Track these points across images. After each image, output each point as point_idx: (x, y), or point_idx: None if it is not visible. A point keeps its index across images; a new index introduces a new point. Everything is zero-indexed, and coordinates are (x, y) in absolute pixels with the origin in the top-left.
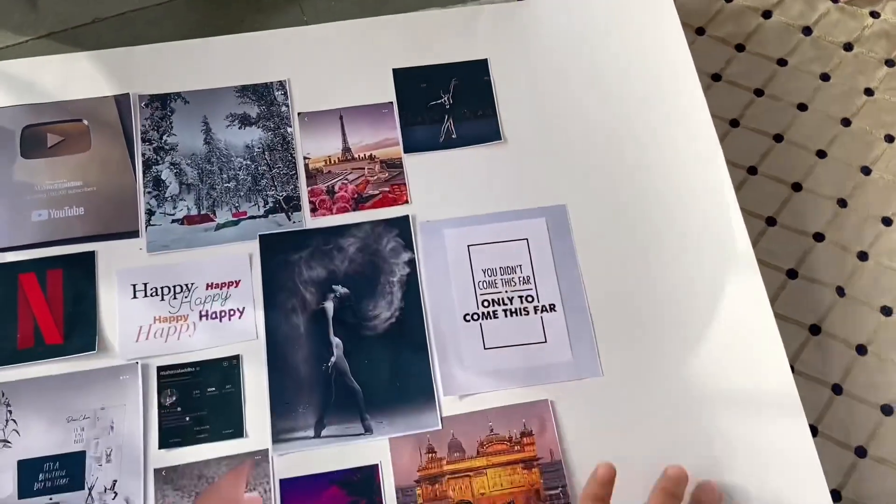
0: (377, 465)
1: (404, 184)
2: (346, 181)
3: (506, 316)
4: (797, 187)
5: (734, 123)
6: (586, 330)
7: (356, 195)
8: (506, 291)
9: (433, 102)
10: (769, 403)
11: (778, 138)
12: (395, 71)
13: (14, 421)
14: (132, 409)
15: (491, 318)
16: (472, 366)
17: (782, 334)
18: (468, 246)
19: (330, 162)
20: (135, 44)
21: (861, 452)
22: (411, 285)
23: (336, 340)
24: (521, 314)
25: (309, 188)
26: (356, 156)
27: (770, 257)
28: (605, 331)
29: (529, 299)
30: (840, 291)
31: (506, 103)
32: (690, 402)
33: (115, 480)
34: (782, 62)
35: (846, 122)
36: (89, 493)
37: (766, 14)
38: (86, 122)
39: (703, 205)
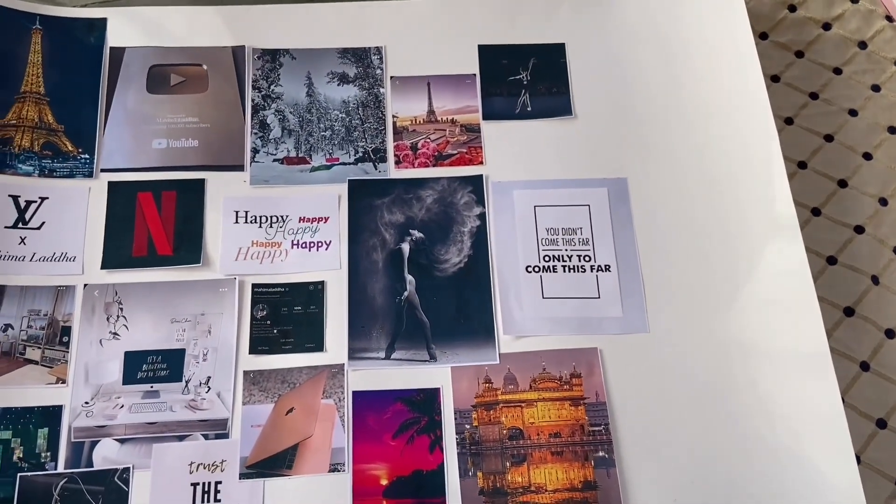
0: (439, 388)
1: (480, 147)
2: (428, 140)
3: (564, 271)
4: (843, 184)
5: (789, 121)
6: (637, 290)
7: (437, 153)
8: (566, 249)
9: (512, 77)
10: (803, 365)
11: (828, 138)
12: (480, 47)
13: (124, 318)
14: (228, 317)
15: (550, 272)
16: (531, 311)
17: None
18: (534, 206)
19: (415, 122)
20: (253, 3)
21: (882, 424)
22: (480, 236)
23: (410, 277)
24: (578, 271)
25: (395, 143)
26: (439, 118)
27: (812, 244)
28: (654, 292)
29: (587, 259)
30: (875, 280)
31: (578, 83)
32: (728, 361)
33: (210, 377)
34: (837, 71)
35: (892, 130)
36: (186, 385)
37: (826, 26)
38: (205, 66)
39: (755, 187)
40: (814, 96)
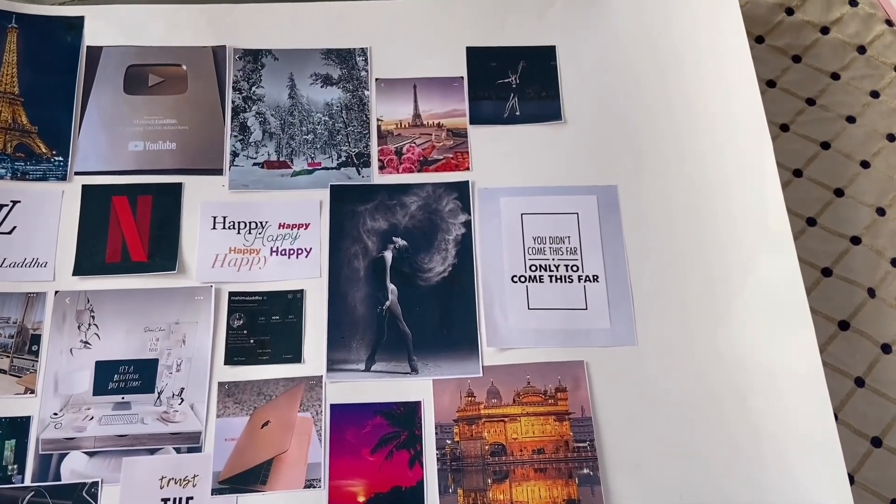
0: (420, 402)
1: (467, 152)
2: (413, 144)
3: (551, 281)
4: (839, 193)
5: (784, 128)
6: (625, 302)
7: (422, 158)
8: (553, 259)
9: (501, 81)
10: (796, 382)
11: (825, 146)
12: (468, 49)
13: (96, 325)
14: (203, 326)
15: (537, 282)
16: (516, 322)
17: (813, 326)
18: (521, 214)
19: (401, 126)
20: (235, 2)
21: (877, 442)
22: (465, 244)
23: (392, 287)
24: (565, 281)
25: (379, 147)
26: (425, 122)
27: (807, 255)
28: (643, 304)
29: (574, 268)
30: (871, 293)
31: (569, 87)
32: (719, 376)
33: (183, 388)
34: (835, 76)
35: (891, 138)
36: (158, 397)
37: (824, 30)
38: (184, 67)
39: (748, 196)
40: (811, 102)
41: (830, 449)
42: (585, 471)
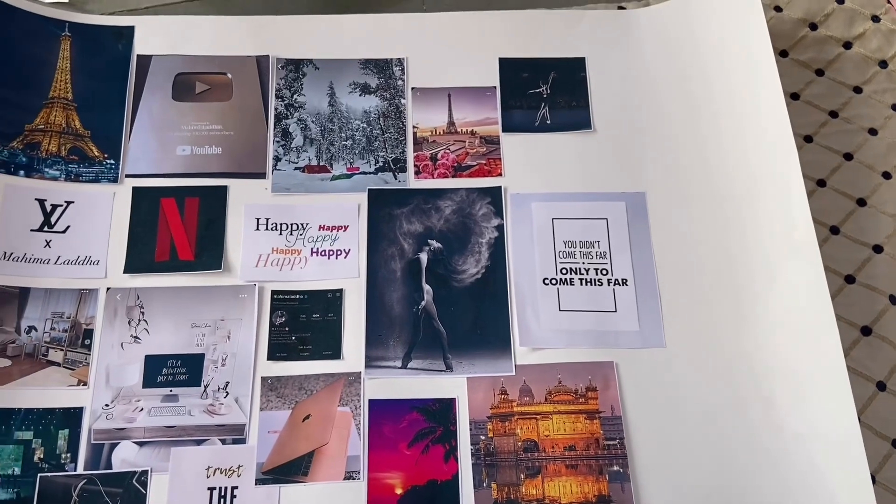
0: (455, 398)
1: (500, 158)
2: (448, 151)
3: (581, 284)
4: (862, 202)
5: (808, 139)
6: (654, 305)
7: (456, 164)
8: (583, 263)
9: (532, 91)
10: (821, 385)
11: (848, 157)
12: (500, 60)
13: (146, 321)
14: (247, 323)
15: (567, 285)
16: (547, 323)
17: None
18: (552, 219)
19: (435, 133)
20: (277, 14)
21: None
22: (498, 247)
23: (427, 287)
24: (595, 284)
25: (415, 153)
26: (459, 130)
27: (830, 262)
28: (671, 307)
29: (604, 272)
30: (893, 300)
31: (598, 98)
32: (745, 378)
33: (228, 382)
34: (857, 90)
35: None
36: (204, 390)
37: (847, 45)
38: (230, 75)
39: (774, 205)
40: (833, 115)
41: (854, 450)
42: (615, 468)
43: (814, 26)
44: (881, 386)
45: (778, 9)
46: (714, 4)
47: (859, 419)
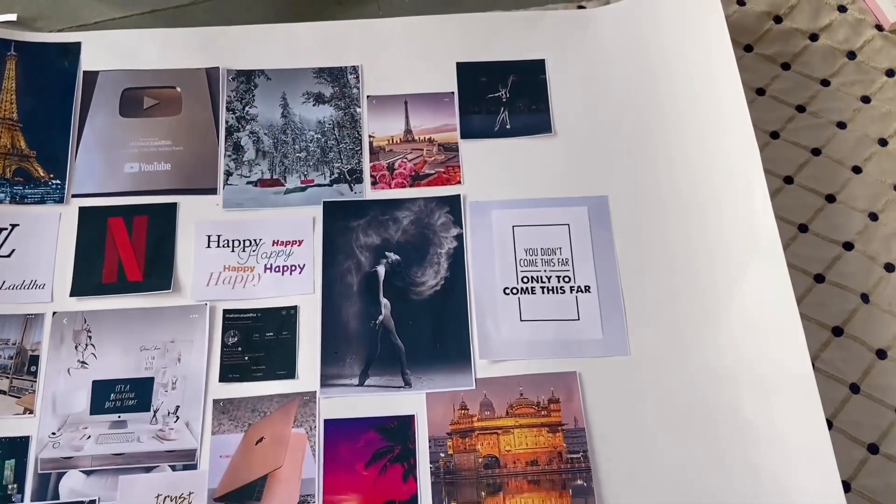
0: (413, 415)
1: (458, 166)
2: (405, 160)
3: (543, 293)
4: (831, 199)
5: (775, 135)
6: (617, 312)
7: (413, 173)
8: (545, 270)
9: (491, 95)
10: (787, 390)
11: (816, 152)
12: (458, 64)
13: (93, 346)
14: (198, 344)
15: (529, 294)
16: (508, 334)
17: (806, 333)
18: (513, 226)
19: (392, 141)
20: (226, 24)
21: (873, 449)
22: (457, 258)
23: (385, 301)
24: (557, 292)
25: (371, 163)
26: (416, 138)
27: (799, 261)
28: (635, 314)
29: (566, 279)
30: (865, 298)
31: (559, 100)
32: (711, 385)
33: (178, 406)
34: (825, 83)
35: (883, 143)
36: (154, 415)
37: (813, 37)
38: (179, 89)
39: (737, 206)
40: (801, 109)
41: (824, 457)
42: (579, 482)
43: (778, 19)
44: (854, 388)
45: (741, 2)
46: (674, 1)
47: (832, 423)
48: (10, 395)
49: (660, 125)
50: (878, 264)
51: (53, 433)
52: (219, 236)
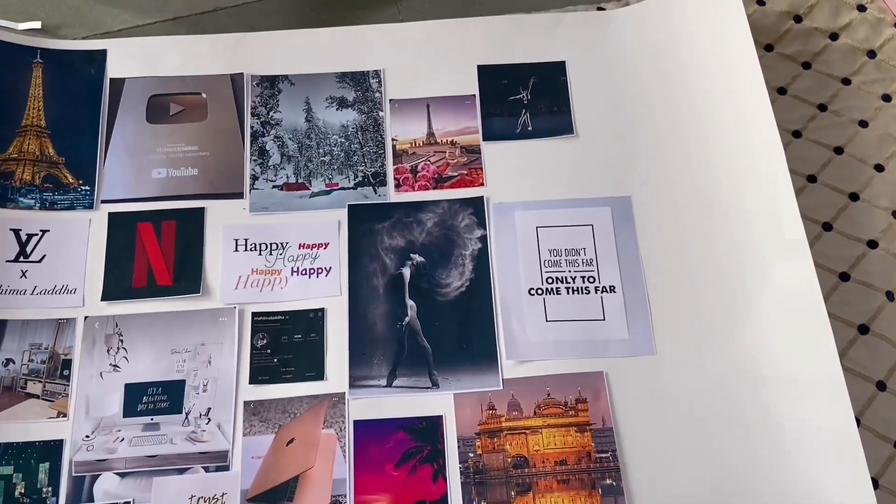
0: (441, 416)
1: (481, 168)
2: (428, 162)
3: (568, 293)
4: (854, 197)
5: (797, 134)
6: (643, 311)
7: (437, 175)
8: (569, 271)
9: (512, 97)
10: (816, 388)
11: (838, 151)
12: (479, 67)
13: (125, 349)
14: (228, 347)
15: (554, 294)
16: (534, 335)
17: (832, 331)
18: (537, 227)
19: (415, 144)
20: (250, 31)
21: None
22: (482, 259)
23: (411, 303)
24: (582, 292)
25: (395, 166)
26: (439, 140)
27: (824, 260)
28: (661, 314)
29: (591, 280)
30: (890, 296)
31: (580, 101)
32: (738, 383)
33: (210, 408)
34: (846, 81)
35: None
36: (186, 417)
37: (833, 36)
38: (204, 95)
39: (762, 204)
40: (822, 108)
41: (853, 454)
42: (608, 481)
43: (798, 18)
44: (881, 386)
45: (761, 2)
46: (695, 1)
47: (859, 421)
48: (43, 399)
49: (681, 125)
50: None
51: (87, 436)
52: (246, 240)
